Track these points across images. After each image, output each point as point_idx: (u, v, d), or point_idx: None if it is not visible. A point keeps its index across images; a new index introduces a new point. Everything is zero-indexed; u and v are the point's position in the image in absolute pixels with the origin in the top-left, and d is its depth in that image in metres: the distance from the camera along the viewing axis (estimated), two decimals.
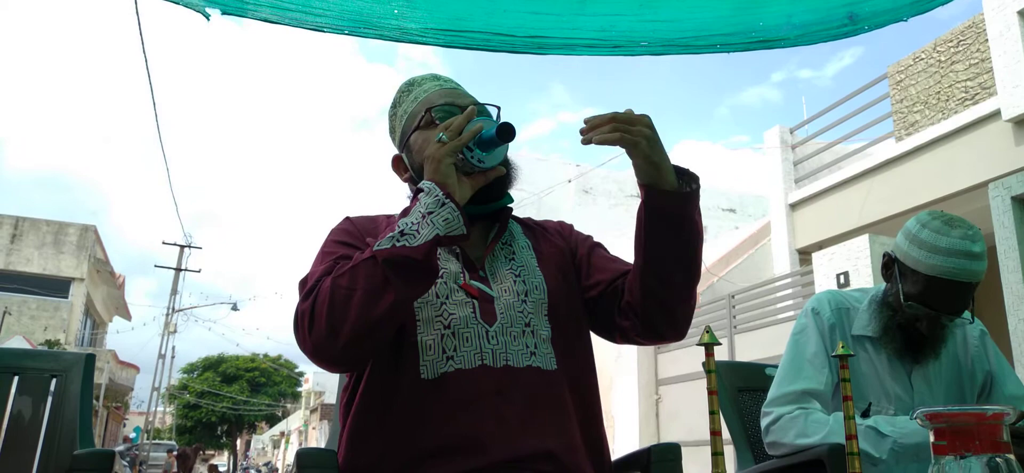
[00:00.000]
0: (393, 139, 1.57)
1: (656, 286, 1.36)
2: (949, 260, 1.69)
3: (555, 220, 1.67)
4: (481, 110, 1.45)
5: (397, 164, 1.55)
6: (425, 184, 1.28)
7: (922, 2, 2.49)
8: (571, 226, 1.65)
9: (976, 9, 7.72)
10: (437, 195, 1.26)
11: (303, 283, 1.33)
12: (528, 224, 1.60)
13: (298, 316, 1.26)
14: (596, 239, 1.62)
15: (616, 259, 1.53)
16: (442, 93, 1.49)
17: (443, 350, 1.32)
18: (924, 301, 1.75)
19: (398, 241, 1.22)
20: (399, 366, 1.32)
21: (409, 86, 1.54)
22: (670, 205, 1.32)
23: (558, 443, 1.30)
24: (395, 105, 1.56)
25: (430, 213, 1.24)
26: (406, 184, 1.54)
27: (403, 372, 1.32)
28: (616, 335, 1.47)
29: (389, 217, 1.51)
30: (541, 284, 1.43)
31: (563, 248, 1.55)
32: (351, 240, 1.42)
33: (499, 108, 1.48)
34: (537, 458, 1.26)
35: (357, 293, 1.21)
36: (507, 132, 1.30)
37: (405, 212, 1.29)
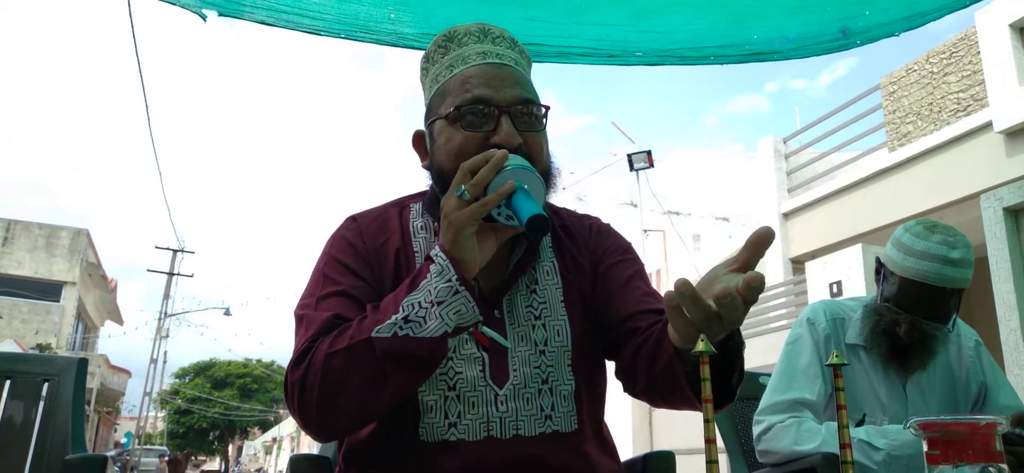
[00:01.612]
0: (423, 92, 1.34)
1: (664, 403, 1.20)
2: (922, 263, 1.72)
3: (591, 217, 1.43)
4: (521, 122, 1.21)
5: (418, 143, 1.32)
6: (438, 258, 1.09)
7: (914, 18, 2.51)
8: (607, 229, 1.42)
9: (968, 22, 7.79)
10: (450, 279, 1.07)
11: (299, 320, 1.19)
12: (557, 227, 1.36)
13: (289, 388, 1.12)
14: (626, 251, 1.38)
15: (632, 291, 1.29)
16: (482, 74, 1.22)
17: (446, 415, 1.16)
18: (898, 303, 1.77)
19: (401, 329, 1.05)
20: (398, 424, 1.19)
21: (447, 41, 1.28)
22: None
23: None
24: (428, 59, 1.31)
25: (441, 302, 1.06)
26: (425, 171, 1.32)
27: (401, 430, 1.18)
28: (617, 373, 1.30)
29: (402, 208, 1.34)
30: (565, 328, 1.24)
31: (589, 266, 1.33)
32: (354, 262, 1.24)
33: (548, 108, 1.26)
34: None
35: (353, 380, 1.07)
36: (537, 227, 1.04)
37: (413, 282, 1.10)
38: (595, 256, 1.35)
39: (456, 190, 1.09)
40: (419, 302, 1.07)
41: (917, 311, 1.75)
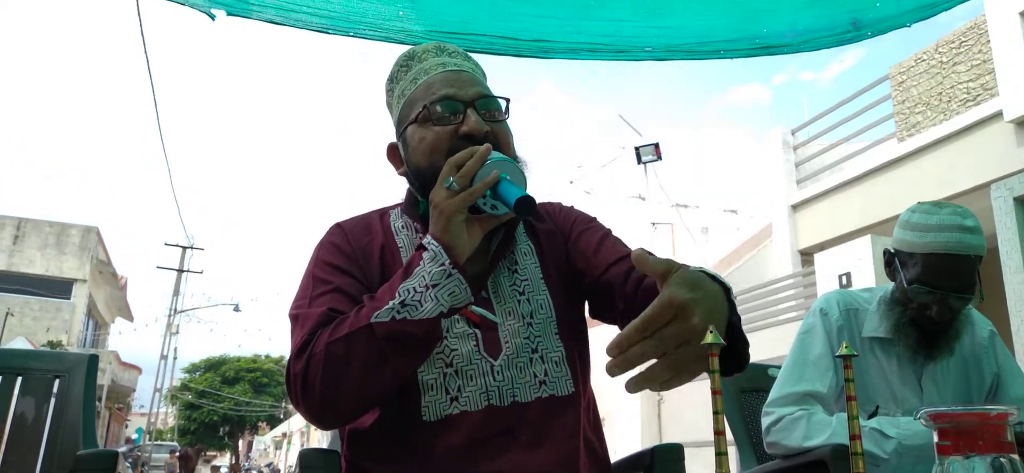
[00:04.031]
0: (391, 115, 1.43)
1: None
2: (942, 234, 1.72)
3: (553, 202, 1.53)
4: (485, 115, 1.30)
5: (392, 154, 1.41)
6: (431, 245, 1.16)
7: (925, 8, 2.49)
8: (570, 208, 1.52)
9: (978, 10, 7.72)
10: (444, 264, 1.14)
11: (294, 319, 1.25)
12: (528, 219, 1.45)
13: (291, 378, 1.17)
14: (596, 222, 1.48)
15: (605, 248, 1.37)
16: (444, 78, 1.32)
17: (446, 391, 1.22)
18: (927, 281, 1.75)
19: (398, 313, 1.12)
20: (400, 407, 1.24)
21: (408, 60, 1.39)
22: None
23: (566, 471, 1.23)
24: (392, 80, 1.41)
25: (435, 285, 1.13)
26: (402, 178, 1.41)
27: (404, 413, 1.24)
28: (608, 317, 1.35)
29: (384, 215, 1.42)
30: (547, 301, 1.33)
31: (561, 243, 1.43)
32: (342, 262, 1.31)
33: (508, 100, 1.35)
34: None
35: (354, 366, 1.12)
36: (525, 207, 1.12)
37: (408, 269, 1.16)
38: (564, 230, 1.45)
39: (444, 182, 1.17)
40: (414, 287, 1.13)
41: (946, 285, 1.74)
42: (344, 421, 1.27)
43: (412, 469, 1.22)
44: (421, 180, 1.31)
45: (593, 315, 1.42)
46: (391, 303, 1.13)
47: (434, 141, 1.28)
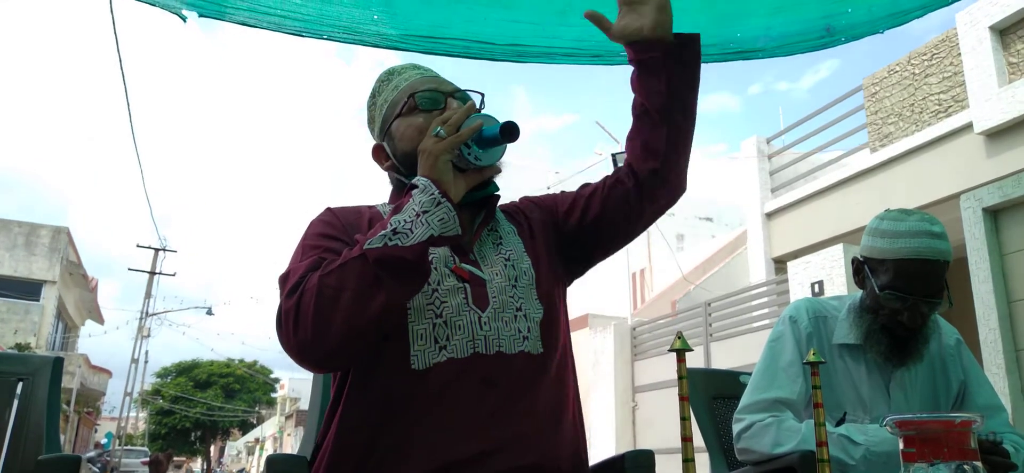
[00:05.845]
0: (372, 130, 1.54)
1: (659, 127, 1.44)
2: (913, 240, 1.74)
3: (531, 196, 1.64)
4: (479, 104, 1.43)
5: (378, 153, 1.51)
6: (420, 181, 1.24)
7: (897, 15, 2.52)
8: (535, 197, 1.64)
9: (949, 24, 7.85)
10: (433, 193, 1.22)
11: (284, 278, 1.27)
12: (508, 210, 1.58)
13: (281, 315, 1.20)
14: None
15: (576, 194, 1.56)
16: (424, 80, 1.47)
17: (435, 340, 1.29)
18: (898, 287, 1.77)
19: (390, 240, 1.18)
20: (388, 357, 1.28)
21: (389, 75, 1.52)
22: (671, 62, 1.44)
23: (540, 426, 1.30)
24: (374, 95, 1.52)
25: (425, 212, 1.20)
26: (387, 172, 1.51)
27: (393, 364, 1.28)
28: (620, 226, 1.50)
29: (371, 208, 1.49)
30: (529, 269, 1.43)
31: (544, 220, 1.55)
32: (334, 232, 1.38)
33: (483, 95, 1.45)
34: (520, 440, 1.26)
35: (346, 293, 1.16)
36: (511, 132, 1.26)
37: (398, 208, 1.23)
38: (550, 207, 1.57)
39: (433, 131, 1.28)
40: (405, 218, 1.20)
41: (918, 291, 1.76)
42: (331, 357, 1.24)
43: (401, 418, 1.26)
44: (408, 164, 1.41)
45: (600, 248, 1.54)
46: (383, 232, 1.19)
47: (421, 125, 1.40)
